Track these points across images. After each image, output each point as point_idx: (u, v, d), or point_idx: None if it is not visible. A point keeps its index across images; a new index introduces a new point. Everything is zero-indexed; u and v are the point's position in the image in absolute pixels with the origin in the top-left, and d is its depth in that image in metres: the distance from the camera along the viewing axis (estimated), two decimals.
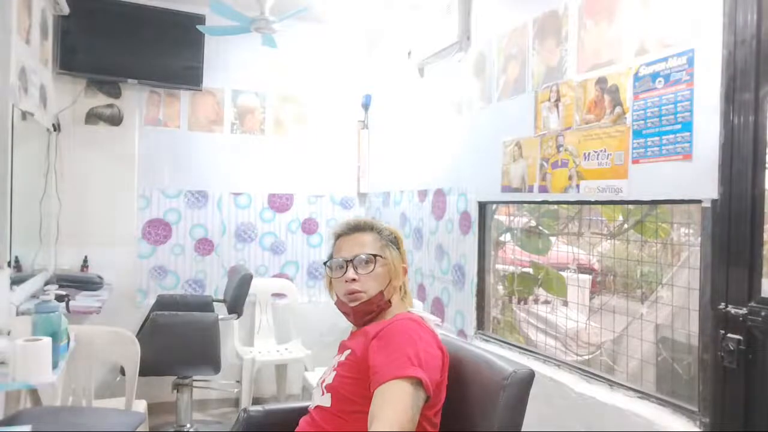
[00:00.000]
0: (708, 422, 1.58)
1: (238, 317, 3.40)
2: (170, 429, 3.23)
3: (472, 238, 2.73)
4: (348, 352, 1.37)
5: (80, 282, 3.23)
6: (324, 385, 1.37)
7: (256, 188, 3.99)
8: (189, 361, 3.04)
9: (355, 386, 1.30)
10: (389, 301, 1.43)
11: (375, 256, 1.43)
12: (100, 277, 3.35)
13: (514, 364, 1.29)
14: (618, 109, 1.89)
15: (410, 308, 1.47)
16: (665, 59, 1.72)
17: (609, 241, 2.65)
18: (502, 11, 2.58)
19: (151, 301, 3.51)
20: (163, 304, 3.35)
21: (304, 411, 1.43)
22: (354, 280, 1.41)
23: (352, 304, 1.41)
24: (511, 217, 2.92)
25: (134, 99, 3.66)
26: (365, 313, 1.42)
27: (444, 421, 1.34)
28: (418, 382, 1.19)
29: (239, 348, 3.66)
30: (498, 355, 1.38)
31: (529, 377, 1.26)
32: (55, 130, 3.40)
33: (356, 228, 1.49)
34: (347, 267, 1.43)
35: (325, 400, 1.34)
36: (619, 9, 1.92)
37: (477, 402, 1.34)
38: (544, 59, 2.28)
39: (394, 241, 1.50)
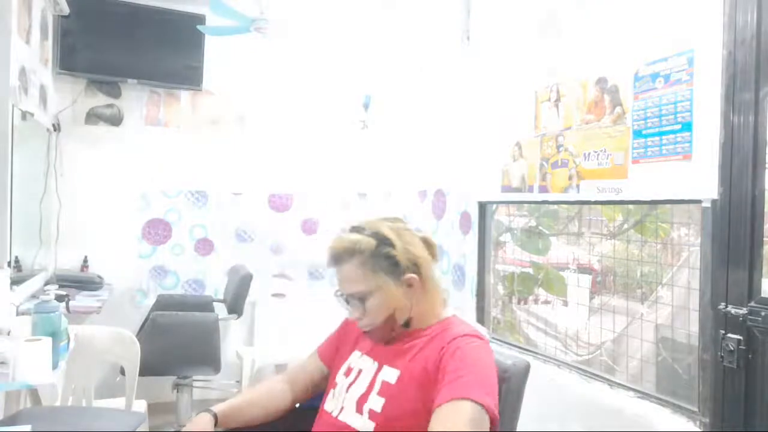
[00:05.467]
0: (708, 422, 1.58)
1: (238, 317, 3.39)
2: (170, 429, 3.23)
3: (472, 238, 2.72)
4: (397, 373, 1.23)
5: (80, 282, 3.23)
6: (366, 407, 1.22)
7: (256, 188, 3.99)
8: (189, 361, 3.04)
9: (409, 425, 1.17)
10: (410, 318, 1.29)
11: (358, 297, 1.27)
12: (100, 277, 3.35)
13: (511, 358, 1.34)
14: (618, 109, 1.89)
15: (447, 311, 1.34)
16: (665, 59, 1.72)
17: (609, 241, 2.65)
18: (502, 11, 2.58)
19: (151, 301, 3.51)
20: (163, 304, 3.34)
21: (303, 411, 1.43)
22: (356, 317, 1.31)
23: (364, 330, 1.33)
24: (511, 217, 2.91)
25: (134, 99, 3.66)
26: (379, 338, 1.31)
27: None
28: (483, 409, 1.10)
29: (239, 348, 3.66)
30: (497, 351, 1.39)
31: (526, 369, 1.33)
32: (55, 130, 3.40)
33: (336, 260, 1.30)
34: (347, 302, 1.31)
35: (365, 425, 1.20)
36: (619, 9, 1.92)
37: None
38: (544, 59, 2.28)
39: (382, 253, 1.26)
